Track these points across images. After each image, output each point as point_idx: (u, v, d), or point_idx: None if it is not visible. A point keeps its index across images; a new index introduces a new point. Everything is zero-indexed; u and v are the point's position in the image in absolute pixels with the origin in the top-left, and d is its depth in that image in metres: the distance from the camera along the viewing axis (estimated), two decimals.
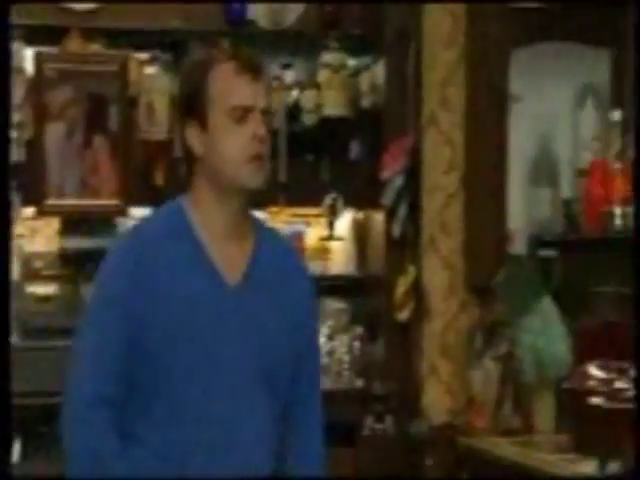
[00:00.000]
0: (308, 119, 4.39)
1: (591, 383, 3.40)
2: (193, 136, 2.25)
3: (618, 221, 3.45)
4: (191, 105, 2.25)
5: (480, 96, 4.15)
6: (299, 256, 2.44)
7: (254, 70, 2.25)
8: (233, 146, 2.22)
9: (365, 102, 4.44)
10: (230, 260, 2.24)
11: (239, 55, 2.26)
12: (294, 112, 4.38)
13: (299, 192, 4.38)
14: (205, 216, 2.25)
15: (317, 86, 4.39)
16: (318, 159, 4.45)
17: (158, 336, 2.18)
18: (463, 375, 4.11)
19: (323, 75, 4.40)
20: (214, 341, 2.20)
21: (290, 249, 2.40)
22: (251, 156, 2.22)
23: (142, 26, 4.19)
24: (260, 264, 2.27)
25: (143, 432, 2.20)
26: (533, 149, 4.35)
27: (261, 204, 4.28)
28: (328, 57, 4.40)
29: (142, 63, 4.29)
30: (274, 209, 4.38)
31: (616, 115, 3.53)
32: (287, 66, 4.44)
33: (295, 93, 4.41)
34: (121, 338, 2.18)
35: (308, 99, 4.39)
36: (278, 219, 4.40)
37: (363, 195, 4.48)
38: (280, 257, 2.32)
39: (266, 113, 2.25)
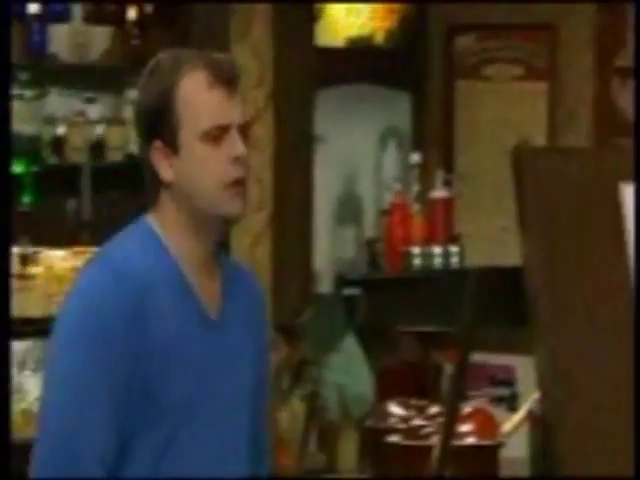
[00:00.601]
0: (113, 155, 4.33)
1: (391, 421, 3.43)
2: (160, 159, 1.99)
3: (417, 261, 3.51)
4: (156, 124, 1.98)
5: (287, 136, 4.19)
6: (257, 281, 2.24)
7: (230, 81, 2.00)
8: (210, 172, 1.97)
9: None
10: (207, 292, 2.05)
11: (212, 63, 1.99)
12: (98, 148, 4.32)
13: (104, 230, 4.27)
14: (180, 245, 2.02)
15: (122, 122, 4.34)
16: (123, 196, 4.39)
17: (154, 375, 1.98)
18: (271, 415, 4.09)
19: (129, 111, 4.35)
20: (205, 380, 2.04)
21: (249, 274, 2.20)
22: (230, 182, 1.98)
23: None
24: (230, 295, 2.09)
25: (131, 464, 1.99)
26: (338, 189, 4.42)
27: (62, 244, 4.20)
28: (134, 93, 4.34)
29: None
30: (78, 249, 4.26)
31: (415, 157, 3.60)
32: (91, 100, 4.37)
33: (100, 129, 4.35)
34: (121, 382, 1.95)
35: (114, 135, 4.33)
36: (82, 259, 4.29)
37: None
38: (244, 285, 2.14)
39: (244, 129, 2.02)
